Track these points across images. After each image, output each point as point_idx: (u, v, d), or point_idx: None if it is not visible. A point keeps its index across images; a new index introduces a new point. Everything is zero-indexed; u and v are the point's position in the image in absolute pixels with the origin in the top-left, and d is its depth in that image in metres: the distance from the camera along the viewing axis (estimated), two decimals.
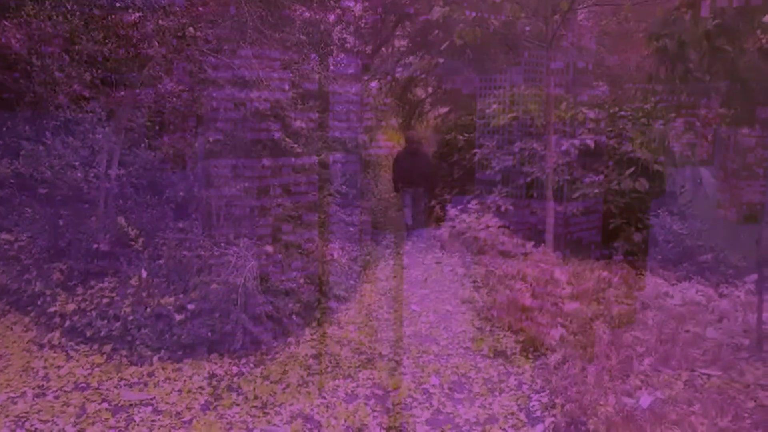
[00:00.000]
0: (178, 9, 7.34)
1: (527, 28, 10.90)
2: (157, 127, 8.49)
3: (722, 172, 9.72)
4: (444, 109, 18.56)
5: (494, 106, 12.62)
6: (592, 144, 10.83)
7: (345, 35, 13.56)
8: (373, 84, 15.91)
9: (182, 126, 7.99)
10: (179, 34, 7.37)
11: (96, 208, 7.52)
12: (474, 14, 9.94)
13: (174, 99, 7.52)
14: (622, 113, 11.42)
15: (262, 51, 7.60)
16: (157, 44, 7.32)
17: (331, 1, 11.20)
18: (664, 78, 6.49)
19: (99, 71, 7.64)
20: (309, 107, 9.15)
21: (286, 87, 7.74)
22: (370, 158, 12.27)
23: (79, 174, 7.49)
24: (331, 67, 11.51)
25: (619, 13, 11.75)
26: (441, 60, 16.01)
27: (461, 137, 13.26)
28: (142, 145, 8.21)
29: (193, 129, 8.17)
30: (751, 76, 5.87)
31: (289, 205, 8.30)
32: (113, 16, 7.38)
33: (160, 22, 7.36)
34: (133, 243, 7.05)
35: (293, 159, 8.36)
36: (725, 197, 9.43)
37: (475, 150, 12.32)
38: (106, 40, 7.49)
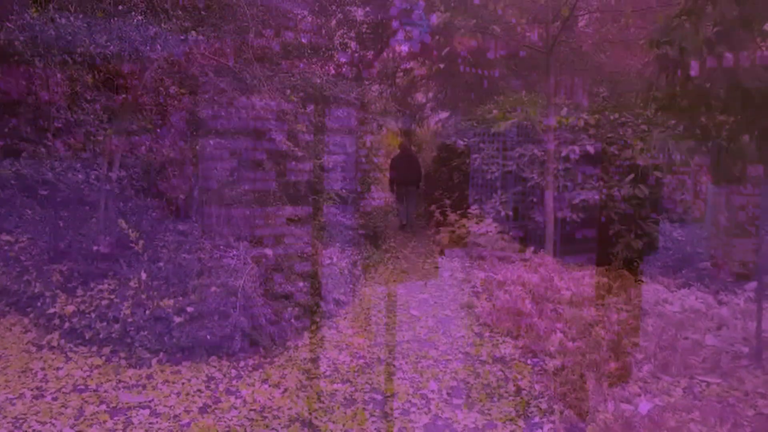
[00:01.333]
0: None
1: (528, 34, 10.93)
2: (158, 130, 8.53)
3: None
4: (444, 114, 18.59)
5: (494, 111, 12.66)
6: (592, 150, 10.86)
7: (346, 40, 13.61)
8: (374, 88, 15.96)
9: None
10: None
11: (96, 210, 7.53)
12: (474, 20, 9.98)
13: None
14: (623, 120, 11.45)
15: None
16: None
17: (333, 6, 11.25)
18: (665, 85, 6.51)
19: (101, 73, 7.74)
20: (309, 112, 9.19)
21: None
22: (369, 162, 12.29)
23: (80, 176, 7.50)
24: (332, 72, 11.56)
25: (620, 20, 11.78)
26: (441, 65, 16.07)
27: (461, 142, 13.29)
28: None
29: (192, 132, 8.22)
30: (751, 83, 5.88)
31: (289, 209, 8.31)
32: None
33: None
34: (133, 245, 7.06)
35: (293, 162, 8.39)
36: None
37: (475, 155, 12.34)
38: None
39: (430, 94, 19.22)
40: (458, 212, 11.91)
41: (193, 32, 7.41)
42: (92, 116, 7.78)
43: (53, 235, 7.45)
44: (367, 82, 14.47)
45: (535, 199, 11.20)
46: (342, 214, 10.70)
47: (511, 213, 11.36)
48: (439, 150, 15.73)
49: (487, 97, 14.31)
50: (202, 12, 7.82)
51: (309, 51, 10.30)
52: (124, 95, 8.00)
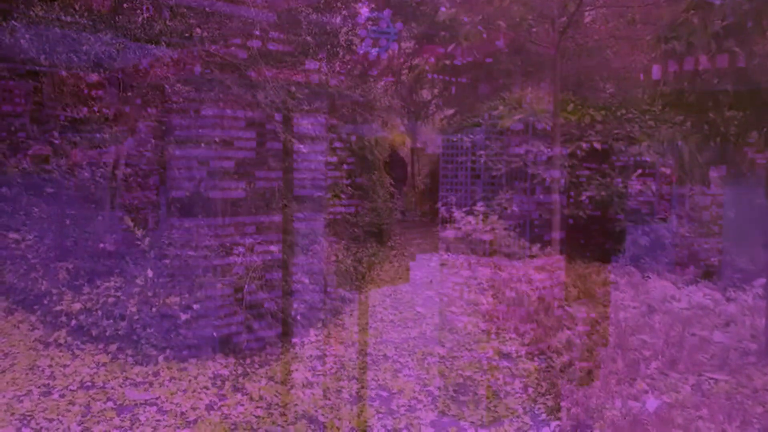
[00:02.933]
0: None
1: (534, 30, 10.87)
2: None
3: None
4: (450, 111, 18.53)
5: (500, 108, 12.60)
6: (599, 146, 10.80)
7: (351, 37, 13.56)
8: (380, 85, 15.91)
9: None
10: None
11: (102, 207, 7.54)
12: (480, 16, 9.93)
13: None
14: (630, 116, 11.38)
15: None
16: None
17: (338, 3, 11.21)
18: (672, 80, 6.46)
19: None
20: (315, 109, 9.15)
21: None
22: (375, 159, 12.27)
23: (86, 174, 7.52)
24: (338, 67, 11.52)
25: (627, 15, 11.69)
26: (447, 62, 16.00)
27: (467, 139, 13.24)
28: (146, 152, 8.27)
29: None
30: (760, 78, 5.83)
31: (295, 206, 8.30)
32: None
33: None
34: (139, 243, 7.07)
35: (299, 160, 8.37)
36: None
37: (480, 152, 12.30)
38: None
39: (436, 91, 19.15)
40: (464, 209, 11.88)
41: (198, 27, 7.36)
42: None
43: (59, 232, 7.47)
44: (371, 80, 14.43)
45: (541, 196, 11.16)
46: (347, 211, 10.69)
47: (517, 210, 11.31)
48: (444, 147, 15.68)
49: (492, 94, 14.26)
50: (206, 9, 7.81)
51: (314, 49, 10.28)
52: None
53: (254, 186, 7.60)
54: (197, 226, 7.13)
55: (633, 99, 12.41)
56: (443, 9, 10.23)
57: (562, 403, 5.46)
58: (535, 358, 6.51)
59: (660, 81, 6.75)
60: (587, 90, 14.15)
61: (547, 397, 5.68)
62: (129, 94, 7.72)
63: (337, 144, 9.59)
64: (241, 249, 7.14)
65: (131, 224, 7.08)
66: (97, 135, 7.67)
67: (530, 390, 5.86)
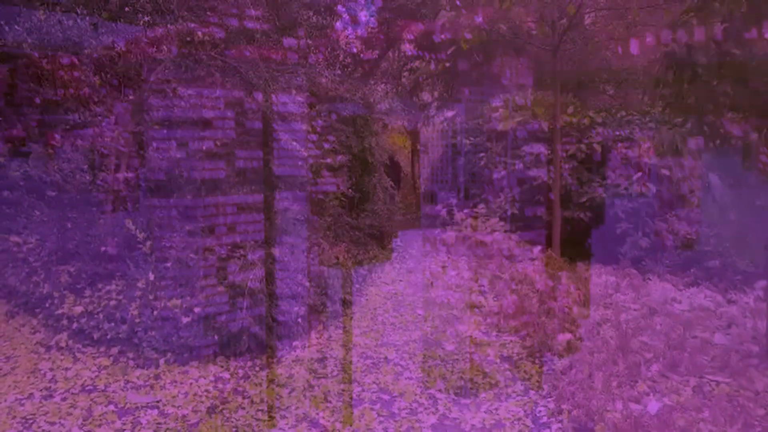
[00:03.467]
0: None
1: (534, 32, 10.88)
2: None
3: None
4: (450, 113, 18.54)
5: (501, 110, 12.62)
6: (599, 148, 10.81)
7: (352, 39, 13.59)
8: (380, 87, 15.94)
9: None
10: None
11: (104, 210, 7.56)
12: (480, 19, 9.94)
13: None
14: (630, 117, 11.39)
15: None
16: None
17: (339, 6, 11.25)
18: (672, 82, 6.46)
19: (109, 75, 7.71)
20: (317, 112, 9.17)
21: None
22: (375, 162, 12.28)
23: (87, 177, 7.53)
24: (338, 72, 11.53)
25: (627, 17, 11.71)
26: (448, 64, 16.02)
27: (467, 141, 13.26)
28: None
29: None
30: (760, 79, 5.83)
31: (296, 208, 8.31)
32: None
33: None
34: (140, 246, 7.08)
35: (300, 162, 8.37)
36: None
37: (481, 154, 12.32)
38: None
39: (436, 93, 19.16)
40: (464, 211, 11.89)
41: (195, 25, 7.33)
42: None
43: (61, 236, 7.49)
44: (372, 82, 14.45)
45: (541, 198, 11.16)
46: (348, 213, 10.71)
47: (517, 212, 11.32)
48: (444, 149, 15.71)
49: (493, 96, 14.26)
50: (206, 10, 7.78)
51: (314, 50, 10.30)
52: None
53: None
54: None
55: (633, 101, 12.43)
56: (444, 11, 10.24)
57: (563, 405, 5.46)
58: (536, 360, 6.51)
59: (660, 82, 6.75)
60: (587, 92, 14.16)
61: (549, 399, 5.68)
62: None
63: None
64: (240, 251, 7.15)
65: (133, 227, 7.09)
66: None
67: (531, 392, 5.86)
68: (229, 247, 7.28)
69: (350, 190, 10.91)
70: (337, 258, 8.96)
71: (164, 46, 7.46)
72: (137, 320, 6.44)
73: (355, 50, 15.22)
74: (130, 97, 7.75)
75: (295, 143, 7.92)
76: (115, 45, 7.34)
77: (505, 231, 10.72)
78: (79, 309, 6.68)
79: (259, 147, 7.65)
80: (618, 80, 14.11)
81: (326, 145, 9.38)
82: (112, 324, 6.50)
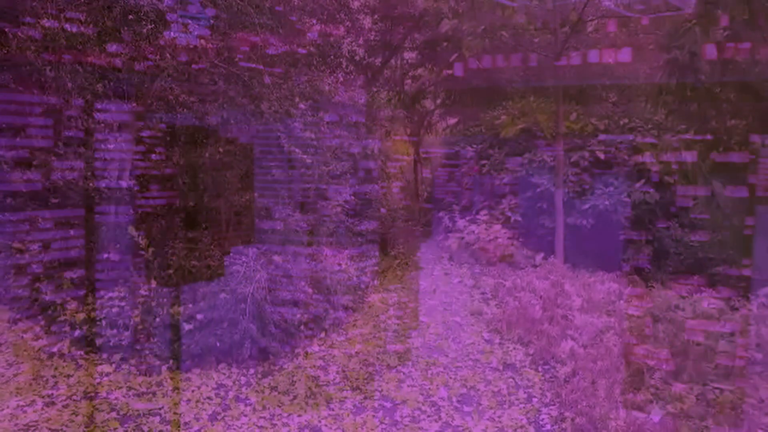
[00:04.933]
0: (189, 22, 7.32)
1: (536, 40, 10.91)
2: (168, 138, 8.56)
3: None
4: (453, 120, 18.56)
5: (503, 117, 12.63)
6: (602, 155, 10.80)
7: (354, 47, 13.62)
8: (383, 95, 15.96)
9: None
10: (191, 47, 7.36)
11: (107, 217, 7.57)
12: (483, 27, 9.98)
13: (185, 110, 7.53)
14: (632, 124, 11.38)
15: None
16: (169, 56, 7.32)
17: (342, 14, 11.29)
18: (675, 89, 6.47)
19: (111, 82, 7.66)
20: (319, 118, 9.18)
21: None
22: (378, 168, 12.27)
23: (90, 184, 7.55)
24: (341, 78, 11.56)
25: (629, 25, 11.73)
26: (449, 72, 16.05)
27: (470, 148, 13.26)
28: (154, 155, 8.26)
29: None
30: (762, 86, 5.84)
31: (299, 216, 8.31)
32: (126, 29, 7.36)
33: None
34: (143, 252, 7.09)
35: (302, 169, 8.38)
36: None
37: (483, 161, 12.31)
38: (120, 53, 7.46)
39: (438, 101, 19.20)
40: (467, 218, 11.87)
41: (203, 40, 7.36)
42: (102, 125, 7.71)
43: (64, 242, 7.49)
44: (375, 89, 14.47)
45: (544, 205, 11.14)
46: (351, 220, 10.70)
47: (520, 219, 11.30)
48: (447, 156, 15.71)
49: (495, 103, 14.27)
50: (211, 20, 7.79)
51: (317, 59, 10.32)
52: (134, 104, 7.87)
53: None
54: None
55: (636, 108, 12.41)
56: (446, 20, 10.27)
57: (566, 413, 5.43)
58: (539, 368, 6.49)
59: (662, 89, 6.77)
60: (590, 99, 14.15)
61: (552, 407, 5.66)
62: None
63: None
64: (243, 258, 7.15)
65: (136, 234, 7.11)
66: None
67: (534, 400, 5.83)
68: (234, 252, 7.28)
69: (352, 196, 10.87)
70: (340, 265, 8.93)
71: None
72: (140, 327, 6.44)
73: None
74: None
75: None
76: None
77: (508, 238, 10.70)
78: (81, 316, 6.66)
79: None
80: (621, 87, 14.10)
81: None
82: (115, 331, 6.49)
